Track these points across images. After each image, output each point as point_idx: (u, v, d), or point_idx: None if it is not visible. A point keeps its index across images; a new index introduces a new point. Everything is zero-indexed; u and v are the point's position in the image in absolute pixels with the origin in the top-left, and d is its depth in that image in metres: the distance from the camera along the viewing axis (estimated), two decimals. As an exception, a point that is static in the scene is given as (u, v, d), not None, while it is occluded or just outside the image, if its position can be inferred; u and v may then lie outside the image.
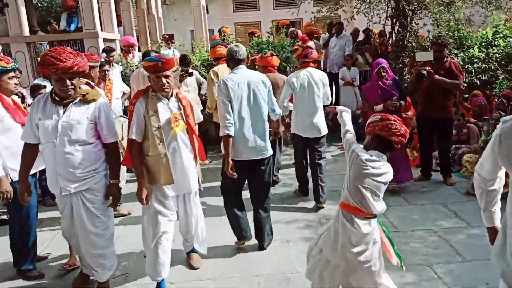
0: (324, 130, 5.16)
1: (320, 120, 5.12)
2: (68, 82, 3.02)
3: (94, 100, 3.18)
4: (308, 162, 5.34)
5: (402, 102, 5.38)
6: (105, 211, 3.29)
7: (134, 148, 3.27)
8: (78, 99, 3.13)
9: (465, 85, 7.70)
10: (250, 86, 3.81)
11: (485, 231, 2.27)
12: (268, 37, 9.15)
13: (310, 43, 6.81)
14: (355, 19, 8.71)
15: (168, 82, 3.28)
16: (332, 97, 5.71)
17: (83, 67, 3.05)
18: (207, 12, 15.21)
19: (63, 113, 3.07)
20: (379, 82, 5.27)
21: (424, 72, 5.30)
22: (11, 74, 3.69)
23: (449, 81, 5.35)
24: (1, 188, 3.43)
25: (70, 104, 3.10)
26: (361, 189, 2.54)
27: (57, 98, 3.10)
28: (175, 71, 5.32)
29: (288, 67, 8.17)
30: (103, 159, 3.28)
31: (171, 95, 3.38)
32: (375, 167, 2.53)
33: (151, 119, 3.21)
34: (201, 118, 6.68)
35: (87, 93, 3.15)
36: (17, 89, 3.83)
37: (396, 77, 5.58)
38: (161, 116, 3.25)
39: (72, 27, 8.82)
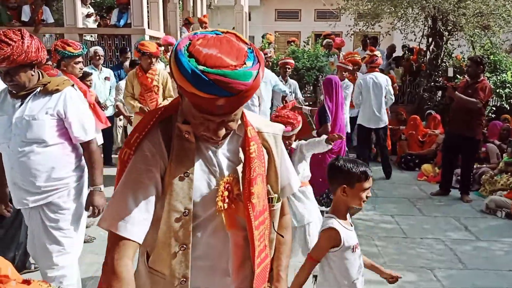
0: (384, 123, 6.52)
1: (383, 114, 6.45)
2: (7, 76, 2.38)
3: (57, 90, 2.52)
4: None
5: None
6: (69, 234, 2.64)
7: (114, 253, 1.31)
8: (38, 89, 2.50)
9: (494, 108, 7.81)
10: None
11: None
12: (305, 46, 9.48)
13: (377, 52, 7.63)
14: (390, 34, 8.92)
15: (229, 128, 1.34)
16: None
17: (26, 57, 2.33)
18: (249, 19, 15.74)
19: (19, 107, 2.49)
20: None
21: (445, 85, 5.50)
22: (78, 59, 3.96)
23: (466, 99, 5.43)
24: None
25: (28, 97, 2.49)
26: None
27: (13, 91, 2.50)
28: None
29: (321, 76, 8.46)
30: (75, 166, 2.64)
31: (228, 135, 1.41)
32: None
33: (174, 189, 1.35)
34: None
35: (49, 82, 2.53)
36: (81, 73, 4.10)
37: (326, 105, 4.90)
38: (196, 184, 1.38)
39: (122, 22, 9.41)
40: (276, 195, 1.50)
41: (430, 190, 6.08)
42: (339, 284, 2.19)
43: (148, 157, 1.35)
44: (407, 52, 9.31)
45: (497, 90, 7.79)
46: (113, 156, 6.91)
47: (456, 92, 5.52)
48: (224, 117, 1.27)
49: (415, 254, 4.15)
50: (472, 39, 8.43)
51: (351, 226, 2.26)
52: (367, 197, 2.17)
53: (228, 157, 1.42)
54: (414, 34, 8.70)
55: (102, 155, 6.79)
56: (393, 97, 6.65)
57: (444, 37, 8.46)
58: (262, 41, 9.55)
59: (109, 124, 4.52)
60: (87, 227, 4.40)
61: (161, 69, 5.75)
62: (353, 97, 6.48)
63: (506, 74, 7.97)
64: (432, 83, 7.58)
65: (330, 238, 2.16)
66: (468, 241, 4.47)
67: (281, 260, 1.59)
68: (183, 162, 1.35)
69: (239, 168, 1.39)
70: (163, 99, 5.56)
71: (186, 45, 1.20)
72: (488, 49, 8.40)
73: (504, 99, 7.82)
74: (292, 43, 9.70)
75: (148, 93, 5.44)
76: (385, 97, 6.49)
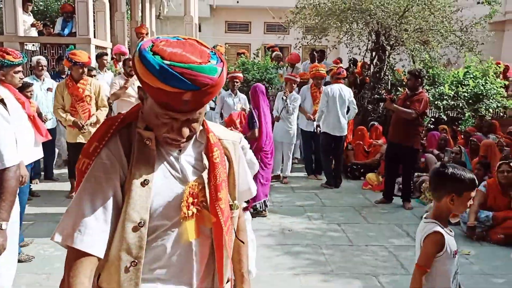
0: (345, 132, 6.88)
1: (344, 123, 6.79)
2: None
3: None
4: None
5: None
6: None
7: (70, 270, 1.24)
8: None
9: (433, 119, 8.24)
10: None
11: None
12: (254, 58, 9.61)
13: (341, 65, 8.47)
14: (336, 48, 9.22)
15: (193, 129, 1.32)
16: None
17: None
18: (200, 30, 15.73)
19: None
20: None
21: (384, 97, 5.79)
22: (18, 68, 3.83)
23: (402, 110, 5.74)
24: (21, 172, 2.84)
25: None
26: None
27: None
28: None
29: (270, 88, 8.58)
30: None
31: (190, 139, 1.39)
32: None
33: (132, 197, 1.29)
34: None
35: None
36: (21, 83, 3.96)
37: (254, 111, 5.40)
38: (158, 192, 1.33)
39: (66, 31, 9.12)
40: (235, 202, 1.50)
41: (375, 198, 6.30)
42: None
43: (107, 165, 1.30)
44: (351, 65, 9.64)
45: (436, 102, 8.23)
46: (55, 171, 6.62)
47: (393, 104, 5.80)
48: (189, 114, 1.25)
49: (361, 261, 4.27)
50: (413, 53, 8.87)
51: (451, 231, 2.24)
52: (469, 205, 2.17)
53: (192, 163, 1.39)
54: (359, 48, 9.05)
55: (44, 171, 6.52)
56: (356, 108, 7.11)
57: (387, 51, 8.85)
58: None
59: (50, 137, 4.36)
60: (25, 245, 4.20)
61: (92, 79, 5.65)
62: (320, 105, 6.77)
63: (443, 87, 8.43)
64: (376, 95, 7.89)
65: (436, 243, 2.15)
66: (410, 247, 4.64)
67: (243, 262, 1.62)
68: (143, 169, 1.30)
69: (205, 174, 1.38)
70: (96, 109, 5.44)
71: (149, 46, 1.21)
72: (427, 63, 8.86)
73: (442, 110, 8.26)
74: (242, 55, 9.80)
75: (79, 103, 5.31)
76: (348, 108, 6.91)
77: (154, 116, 1.27)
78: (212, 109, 7.10)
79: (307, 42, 9.58)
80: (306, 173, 7.46)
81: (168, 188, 1.34)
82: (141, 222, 1.28)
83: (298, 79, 7.13)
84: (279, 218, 5.45)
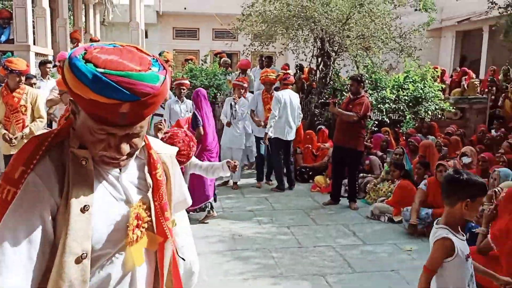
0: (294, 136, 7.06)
1: (294, 128, 6.93)
2: None
3: None
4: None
5: None
6: None
7: None
8: None
9: (376, 122, 8.56)
10: None
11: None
12: (202, 64, 9.59)
13: (290, 71, 8.61)
14: (283, 54, 9.38)
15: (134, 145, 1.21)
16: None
17: None
18: (146, 37, 15.48)
19: None
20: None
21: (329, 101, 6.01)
22: None
23: (344, 113, 5.96)
24: None
25: None
26: None
27: None
28: None
29: (219, 94, 8.59)
30: None
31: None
32: None
33: (71, 227, 1.14)
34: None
35: None
36: None
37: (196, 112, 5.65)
38: (100, 217, 1.20)
39: (3, 38, 8.69)
40: (173, 218, 1.40)
41: (323, 200, 6.44)
42: None
43: (35, 194, 1.13)
44: (298, 71, 9.83)
45: (378, 106, 8.55)
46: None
47: (336, 107, 6.00)
48: (128, 129, 1.12)
49: (309, 262, 4.35)
50: (356, 59, 9.18)
51: (463, 236, 2.28)
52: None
53: (134, 183, 1.28)
54: (305, 55, 9.25)
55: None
56: (301, 114, 7.34)
57: (332, 57, 9.11)
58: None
59: None
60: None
61: (29, 88, 5.42)
62: (273, 110, 6.79)
63: (385, 91, 8.77)
64: (322, 100, 8.11)
65: (444, 248, 2.18)
66: (356, 246, 4.80)
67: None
68: (81, 194, 1.14)
69: (149, 194, 1.28)
70: (32, 121, 5.23)
71: (81, 54, 1.09)
72: (370, 68, 9.20)
73: (384, 113, 8.59)
74: (190, 61, 9.74)
75: (14, 113, 5.08)
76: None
77: (88, 132, 1.13)
78: (159, 115, 6.97)
79: (254, 49, 9.67)
80: (256, 179, 7.45)
81: (111, 212, 1.21)
82: (83, 253, 1.14)
83: (245, 85, 7.18)
84: (229, 223, 5.45)
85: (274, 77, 7.27)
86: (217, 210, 5.80)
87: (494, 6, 9.11)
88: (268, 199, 6.51)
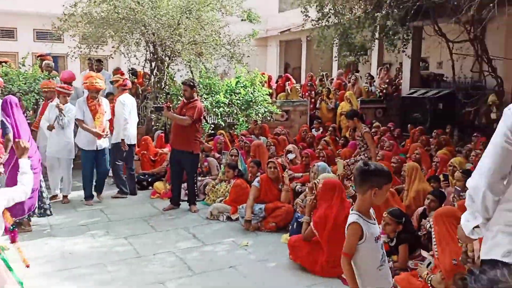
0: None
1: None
2: None
3: None
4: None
5: None
6: None
7: None
8: None
9: (213, 125, 8.81)
10: None
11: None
12: (20, 67, 8.59)
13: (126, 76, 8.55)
14: (112, 58, 8.99)
15: None
16: None
17: None
18: None
19: None
20: None
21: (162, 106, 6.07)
22: None
23: (178, 117, 6.04)
24: None
25: None
26: None
27: None
28: None
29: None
30: None
31: None
32: None
33: None
34: None
35: None
36: None
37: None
38: None
39: None
40: None
41: (163, 206, 6.34)
42: (366, 271, 2.43)
43: None
44: (131, 75, 9.54)
45: (214, 110, 8.81)
46: None
47: (170, 112, 6.02)
48: None
49: (148, 271, 4.23)
50: (190, 64, 9.29)
51: (374, 220, 2.51)
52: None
53: None
54: (137, 58, 9.01)
55: None
56: (137, 118, 7.28)
57: (166, 62, 9.06)
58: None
59: None
60: None
61: None
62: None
63: (219, 95, 9.08)
64: (157, 105, 8.03)
65: (355, 231, 2.41)
66: (195, 247, 4.84)
67: None
68: None
69: None
70: None
71: None
72: (203, 74, 9.41)
73: (219, 117, 8.89)
74: (4, 63, 8.60)
75: None
76: None
77: None
78: None
79: (81, 51, 9.04)
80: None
81: None
82: None
83: (71, 91, 6.65)
84: (59, 241, 4.98)
85: (101, 84, 6.70)
86: (44, 227, 5.26)
87: (307, 19, 10.15)
88: (103, 211, 6.13)
